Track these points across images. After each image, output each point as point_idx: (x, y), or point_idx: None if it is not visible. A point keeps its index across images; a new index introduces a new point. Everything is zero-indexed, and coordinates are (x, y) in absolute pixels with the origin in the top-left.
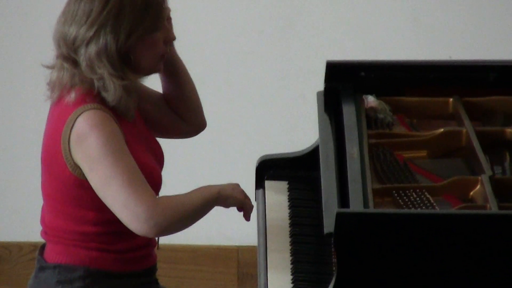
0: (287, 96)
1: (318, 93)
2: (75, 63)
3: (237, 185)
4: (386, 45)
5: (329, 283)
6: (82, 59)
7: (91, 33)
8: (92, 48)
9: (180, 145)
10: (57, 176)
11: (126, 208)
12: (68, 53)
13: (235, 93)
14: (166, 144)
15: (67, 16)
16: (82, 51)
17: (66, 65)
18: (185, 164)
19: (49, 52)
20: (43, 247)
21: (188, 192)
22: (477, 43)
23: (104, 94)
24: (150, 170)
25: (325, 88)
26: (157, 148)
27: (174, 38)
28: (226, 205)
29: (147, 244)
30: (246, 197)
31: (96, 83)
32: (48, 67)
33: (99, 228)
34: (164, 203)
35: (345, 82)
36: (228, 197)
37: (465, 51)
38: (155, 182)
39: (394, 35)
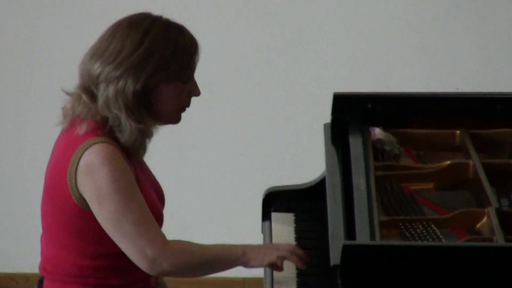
0: (294, 127)
1: (325, 125)
2: (93, 97)
3: (275, 249)
4: (394, 76)
5: None
6: (101, 95)
7: (116, 73)
8: (111, 88)
9: (186, 177)
10: (60, 206)
11: (134, 246)
12: (89, 86)
13: (241, 124)
14: (172, 177)
15: (97, 51)
16: (102, 87)
17: (84, 97)
18: (191, 196)
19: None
20: (41, 281)
21: (211, 244)
22: (484, 75)
23: (118, 134)
24: (154, 209)
25: (332, 119)
26: (158, 187)
27: (199, 94)
28: (249, 267)
29: (145, 277)
30: (281, 257)
31: (111, 122)
32: (67, 93)
33: (98, 262)
34: (174, 248)
35: (352, 114)
36: (251, 260)
37: (472, 83)
38: (158, 221)
39: (402, 66)
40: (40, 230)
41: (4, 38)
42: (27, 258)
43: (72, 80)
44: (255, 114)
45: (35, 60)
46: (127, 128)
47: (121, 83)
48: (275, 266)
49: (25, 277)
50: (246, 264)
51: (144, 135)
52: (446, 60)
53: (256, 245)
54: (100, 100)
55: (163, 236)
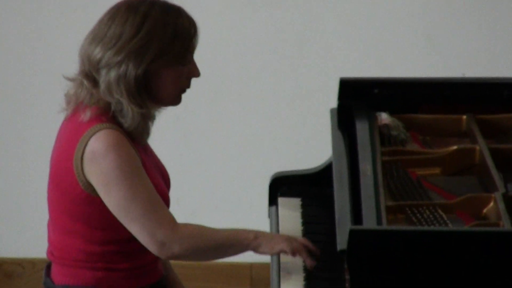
0: (301, 113)
1: (332, 110)
2: (95, 82)
3: (287, 239)
4: (400, 62)
5: None
6: (102, 80)
7: (117, 59)
8: (113, 73)
9: (193, 162)
10: (66, 192)
11: (144, 229)
12: (90, 71)
13: (248, 110)
14: (179, 162)
15: (96, 36)
16: (103, 72)
17: (86, 82)
18: (198, 181)
19: (70, 63)
20: (49, 266)
21: (222, 228)
22: (491, 61)
23: (120, 119)
24: (161, 193)
25: (338, 105)
26: (164, 170)
27: (198, 75)
28: (259, 253)
29: (153, 260)
30: (292, 248)
31: (113, 107)
32: (68, 79)
33: (105, 247)
34: (184, 231)
35: (358, 99)
36: (262, 245)
37: (478, 69)
38: (166, 204)
39: (408, 52)
40: (46, 216)
41: (5, 24)
42: (34, 244)
43: (73, 66)
44: (262, 99)
45: (37, 47)
46: (129, 113)
47: (122, 68)
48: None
49: (32, 263)
50: (256, 249)
51: (147, 118)
52: (452, 47)
53: (269, 233)
54: (102, 86)
55: (173, 219)
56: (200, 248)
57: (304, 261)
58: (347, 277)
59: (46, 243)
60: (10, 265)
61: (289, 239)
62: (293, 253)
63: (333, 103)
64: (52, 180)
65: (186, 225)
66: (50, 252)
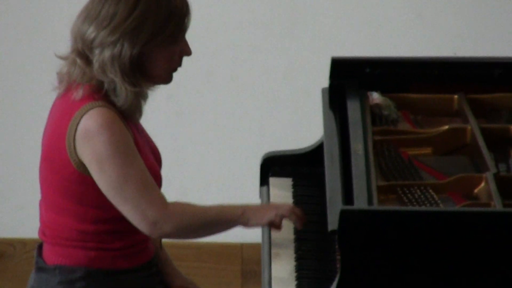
0: (292, 92)
1: (323, 90)
2: (88, 61)
3: (274, 208)
4: (391, 41)
5: (333, 280)
6: (96, 59)
7: (111, 39)
8: (107, 52)
9: (184, 142)
10: (58, 171)
11: (136, 209)
12: (83, 50)
13: (239, 90)
14: (171, 142)
15: (89, 14)
16: (97, 52)
17: (79, 61)
18: (189, 161)
19: (62, 42)
20: (40, 246)
21: (211, 205)
22: (482, 40)
23: (113, 98)
24: (153, 171)
25: (330, 84)
26: (155, 148)
27: (190, 53)
28: (249, 226)
29: (144, 240)
30: (280, 215)
31: (106, 86)
32: (61, 57)
33: (98, 226)
34: (175, 209)
35: (350, 78)
36: (251, 219)
37: (470, 48)
38: (157, 183)
39: (399, 31)
40: (36, 195)
41: None
42: (25, 224)
43: (65, 44)
44: (253, 78)
45: (28, 25)
46: (122, 91)
47: (117, 48)
48: (274, 225)
49: (23, 243)
50: (246, 224)
51: (139, 97)
52: (443, 25)
53: (256, 205)
54: (96, 65)
55: (163, 198)
56: (190, 226)
57: (294, 224)
58: (338, 257)
59: (37, 223)
60: (0, 246)
61: (276, 207)
62: (280, 221)
63: (325, 82)
64: (44, 159)
65: (175, 204)
66: (42, 231)
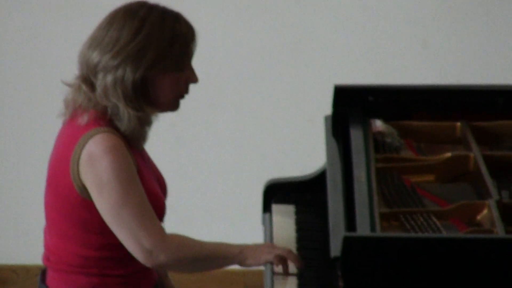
0: (295, 120)
1: (326, 117)
2: (93, 86)
3: (272, 247)
4: (395, 69)
5: None
6: (99, 84)
7: (114, 63)
8: (110, 76)
9: (188, 170)
10: (63, 197)
11: (132, 236)
12: (88, 75)
13: (243, 117)
14: (173, 169)
15: (94, 40)
16: (100, 76)
17: (83, 87)
18: (193, 188)
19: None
20: (44, 273)
21: (209, 241)
22: (486, 67)
23: (117, 122)
24: (157, 199)
25: (333, 112)
26: (161, 177)
27: (196, 80)
28: (246, 265)
29: (147, 267)
30: (276, 255)
31: (110, 111)
32: (67, 84)
33: (101, 253)
34: (172, 240)
35: (353, 106)
36: (247, 258)
37: (473, 76)
38: (160, 211)
39: (403, 59)
40: (40, 222)
41: (4, 28)
42: (28, 250)
43: (72, 72)
44: (256, 106)
45: (36, 53)
46: (125, 116)
47: (119, 72)
48: (278, 263)
49: (26, 269)
50: (242, 262)
51: (143, 123)
52: (447, 54)
53: (254, 244)
54: (98, 89)
55: (161, 228)
56: (186, 259)
57: (293, 263)
58: (341, 284)
59: (40, 249)
60: (4, 272)
61: (273, 247)
62: (278, 261)
63: (328, 109)
64: (49, 184)
65: (173, 236)
66: (46, 257)
